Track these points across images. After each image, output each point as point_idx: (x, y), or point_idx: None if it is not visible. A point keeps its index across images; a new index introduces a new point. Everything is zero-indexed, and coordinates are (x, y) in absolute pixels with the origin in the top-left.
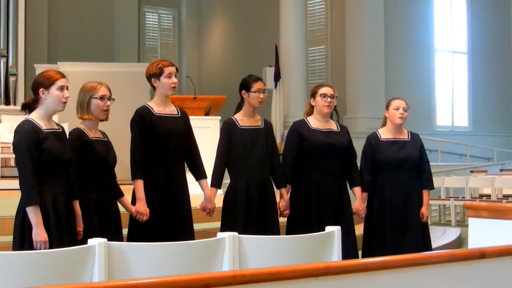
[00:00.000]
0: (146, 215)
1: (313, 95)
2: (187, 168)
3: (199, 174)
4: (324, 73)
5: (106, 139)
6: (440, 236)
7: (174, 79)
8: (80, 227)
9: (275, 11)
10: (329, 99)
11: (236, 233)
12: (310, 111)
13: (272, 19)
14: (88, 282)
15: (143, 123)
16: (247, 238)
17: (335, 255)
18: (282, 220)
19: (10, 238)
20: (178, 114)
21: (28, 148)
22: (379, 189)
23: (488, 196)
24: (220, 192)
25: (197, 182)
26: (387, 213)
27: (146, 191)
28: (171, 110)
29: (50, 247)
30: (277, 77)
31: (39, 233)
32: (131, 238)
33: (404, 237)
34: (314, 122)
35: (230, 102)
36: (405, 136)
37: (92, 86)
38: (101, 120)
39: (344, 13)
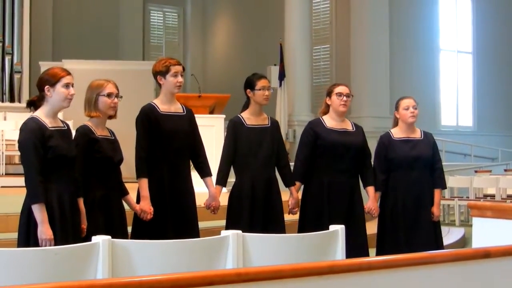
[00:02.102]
0: (150, 214)
1: (329, 94)
2: (192, 166)
3: (204, 172)
4: (328, 72)
5: (113, 138)
6: (444, 236)
7: (179, 78)
8: (84, 225)
9: (280, 9)
10: (345, 98)
11: (240, 231)
12: (326, 110)
13: (277, 17)
14: (92, 279)
15: (148, 121)
16: (251, 236)
17: (339, 253)
18: (288, 218)
19: (14, 235)
20: (184, 112)
21: (34, 146)
22: (392, 188)
23: (493, 196)
24: (225, 191)
25: (202, 180)
26: (400, 212)
27: (151, 189)
28: (176, 108)
29: (55, 245)
30: (281, 76)
31: (44, 230)
32: (135, 236)
33: (416, 236)
34: (329, 121)
35: (234, 101)
36: (417, 135)
37: (99, 83)
38: (110, 117)
39: (349, 12)
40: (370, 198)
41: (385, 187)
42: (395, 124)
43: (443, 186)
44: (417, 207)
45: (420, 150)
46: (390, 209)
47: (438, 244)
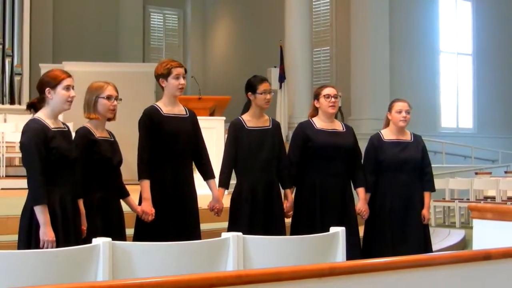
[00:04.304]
0: (152, 215)
1: (317, 96)
2: (195, 169)
3: (207, 174)
4: (328, 74)
5: (113, 139)
6: (444, 238)
7: (181, 81)
8: (84, 226)
9: (280, 11)
10: (333, 99)
11: (240, 233)
12: (314, 113)
13: (277, 19)
14: (92, 282)
15: (151, 123)
16: (252, 238)
17: (339, 255)
18: (288, 221)
19: (14, 237)
20: (186, 114)
21: (37, 147)
22: (381, 190)
23: (493, 198)
24: (226, 193)
25: (205, 182)
26: (387, 214)
27: (153, 192)
28: (179, 110)
29: (57, 247)
30: (281, 78)
31: (46, 232)
32: (138, 238)
33: (404, 239)
34: (319, 122)
35: (235, 103)
36: (407, 137)
37: (99, 85)
38: (109, 120)
39: (349, 14)
40: (360, 199)
41: (374, 188)
42: (386, 124)
43: (432, 189)
44: (406, 210)
45: (409, 153)
46: (377, 211)
47: (427, 247)
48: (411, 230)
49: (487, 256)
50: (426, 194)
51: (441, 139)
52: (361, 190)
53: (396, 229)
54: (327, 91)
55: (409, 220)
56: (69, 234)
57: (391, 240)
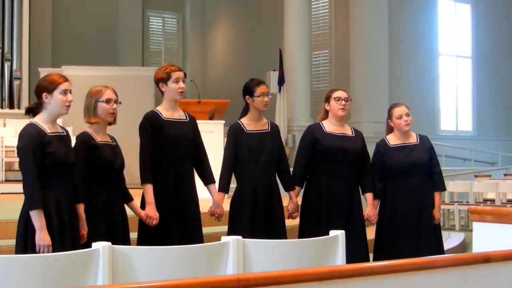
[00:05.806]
0: (156, 219)
1: (327, 99)
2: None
3: (208, 179)
4: (328, 78)
5: (114, 143)
6: (444, 241)
7: (181, 84)
8: (84, 231)
9: (279, 15)
10: (343, 102)
11: (240, 237)
12: (324, 116)
13: (276, 23)
14: (92, 286)
15: (152, 127)
16: (251, 242)
17: (339, 259)
18: (289, 224)
19: (13, 242)
20: (186, 119)
21: (33, 152)
22: (391, 195)
23: (492, 200)
24: (225, 196)
25: (205, 187)
26: (399, 219)
27: (155, 196)
28: (179, 114)
29: (53, 251)
30: (281, 81)
31: (42, 237)
32: (141, 242)
33: (419, 241)
34: (329, 126)
35: (234, 106)
36: (413, 140)
37: (98, 90)
38: (109, 124)
39: (348, 18)
40: (368, 204)
41: (383, 194)
42: (389, 131)
43: (442, 188)
44: (419, 213)
45: (417, 156)
46: (388, 217)
47: (440, 248)
48: (424, 232)
49: (487, 259)
50: (436, 194)
51: (441, 142)
52: (369, 196)
53: (410, 233)
54: (337, 94)
55: (423, 223)
56: (65, 239)
57: (406, 244)
